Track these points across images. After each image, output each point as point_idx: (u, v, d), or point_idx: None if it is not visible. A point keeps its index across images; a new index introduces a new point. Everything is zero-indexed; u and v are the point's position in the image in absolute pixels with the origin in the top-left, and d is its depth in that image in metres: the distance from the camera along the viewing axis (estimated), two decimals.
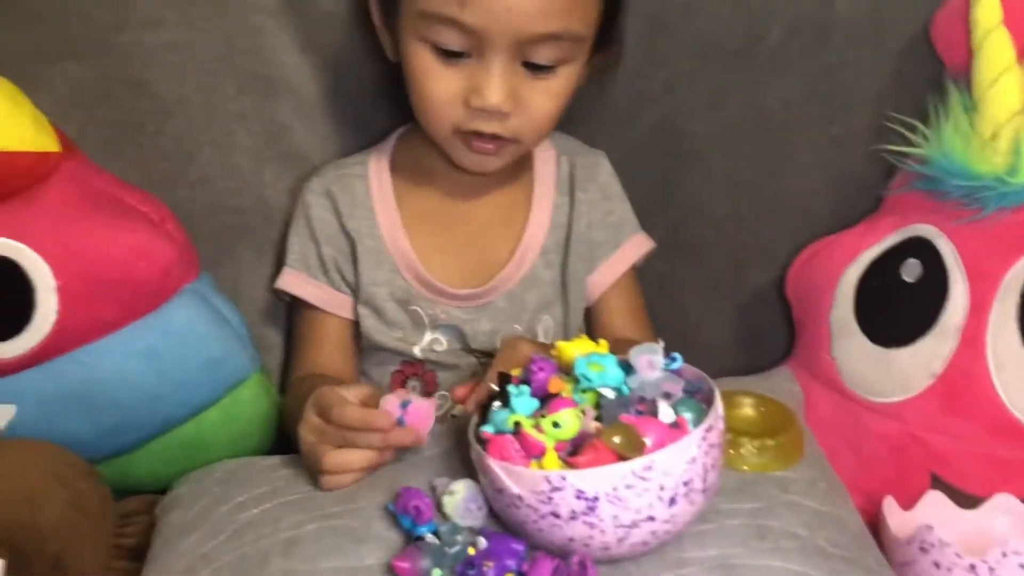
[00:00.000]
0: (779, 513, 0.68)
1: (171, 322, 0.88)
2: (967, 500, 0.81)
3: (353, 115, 1.02)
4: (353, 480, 0.75)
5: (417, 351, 0.95)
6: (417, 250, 0.94)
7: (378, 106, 1.01)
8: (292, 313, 1.00)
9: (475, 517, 0.69)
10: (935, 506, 0.79)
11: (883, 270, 0.90)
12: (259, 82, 0.97)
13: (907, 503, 0.82)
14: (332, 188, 0.95)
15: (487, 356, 0.94)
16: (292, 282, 0.96)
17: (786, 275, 1.00)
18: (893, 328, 0.87)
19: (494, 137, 0.85)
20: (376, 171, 0.96)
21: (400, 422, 0.74)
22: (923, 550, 0.71)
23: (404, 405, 0.74)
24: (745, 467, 0.72)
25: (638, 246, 1.00)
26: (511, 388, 0.66)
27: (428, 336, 0.95)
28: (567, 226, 0.96)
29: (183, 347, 0.88)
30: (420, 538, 0.66)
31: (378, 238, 0.94)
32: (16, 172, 0.81)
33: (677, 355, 0.67)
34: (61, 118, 0.88)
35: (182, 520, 0.79)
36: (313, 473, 0.77)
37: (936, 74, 0.92)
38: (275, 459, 0.85)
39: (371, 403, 0.76)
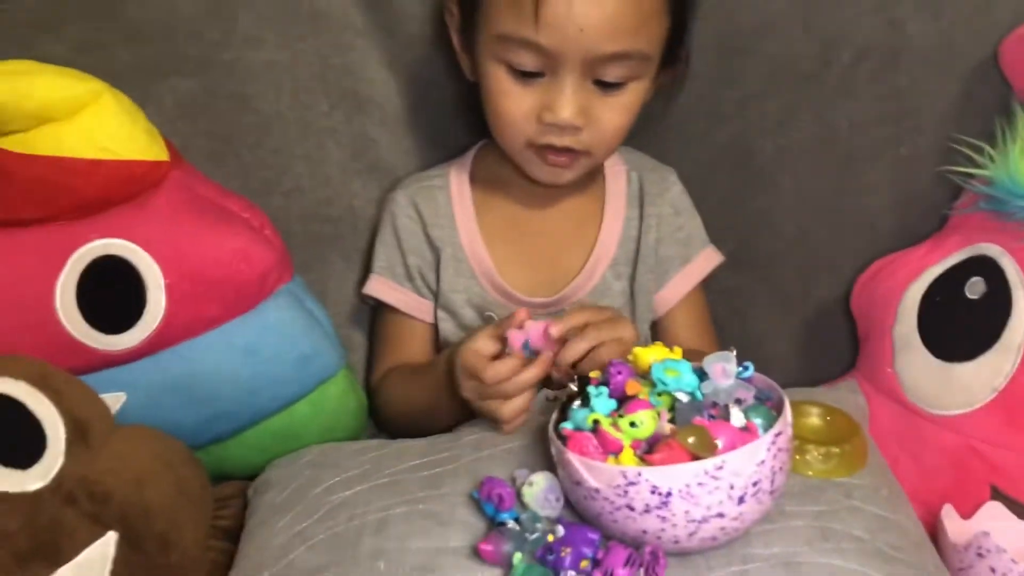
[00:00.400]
0: (842, 517, 0.72)
1: (267, 320, 0.91)
2: None
3: (434, 130, 1.06)
4: (526, 417, 0.83)
5: None
6: (494, 259, 0.98)
7: (458, 122, 1.05)
8: (376, 316, 1.05)
9: (553, 507, 0.74)
10: (993, 516, 0.82)
11: (947, 287, 0.92)
12: (349, 98, 1.02)
13: (966, 513, 0.84)
14: (416, 199, 0.99)
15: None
16: (378, 288, 1.01)
17: (851, 290, 1.02)
18: (956, 343, 0.89)
19: (567, 150, 0.89)
20: (456, 183, 1.00)
21: (526, 346, 0.80)
22: (980, 555, 0.74)
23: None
24: (810, 472, 0.76)
25: (707, 261, 1.03)
26: (591, 389, 0.71)
27: None
28: (637, 239, 0.99)
29: (278, 344, 0.92)
30: (503, 524, 0.71)
31: (458, 247, 0.98)
32: (132, 179, 0.85)
33: (749, 364, 0.71)
34: (169, 130, 0.92)
35: (275, 501, 0.84)
36: (495, 424, 0.83)
37: (1003, 97, 0.94)
38: (361, 443, 0.90)
39: (499, 339, 0.82)
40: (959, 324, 0.90)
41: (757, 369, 0.74)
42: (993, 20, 0.95)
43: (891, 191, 1.02)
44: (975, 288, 0.89)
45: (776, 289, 1.08)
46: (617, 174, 1.01)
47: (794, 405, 0.71)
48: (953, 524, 0.79)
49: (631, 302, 1.00)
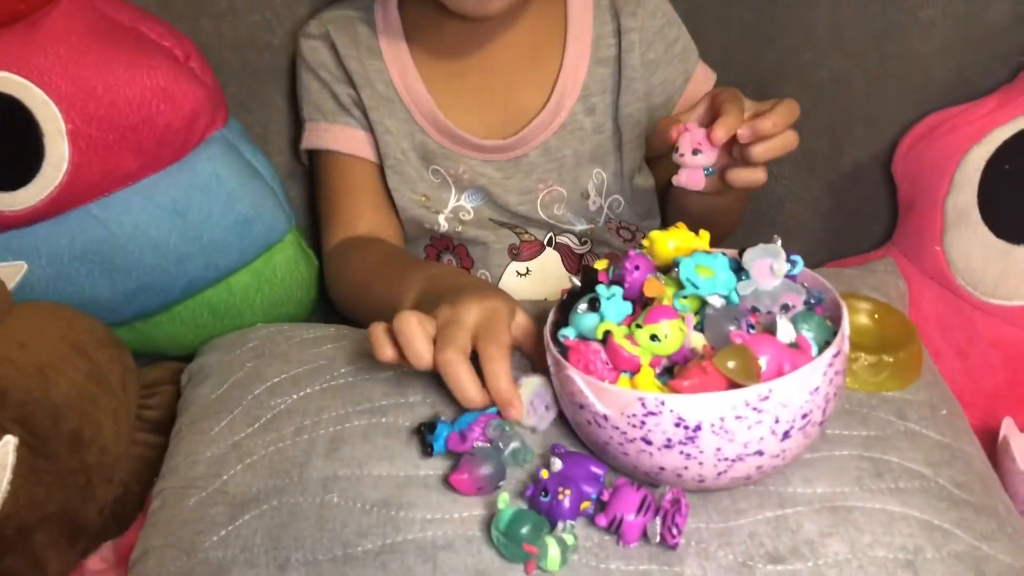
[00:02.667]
0: (897, 444, 0.59)
1: (197, 174, 0.81)
2: None
3: None
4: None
5: (442, 220, 0.87)
6: (434, 96, 0.85)
7: None
8: (316, 174, 0.92)
9: (540, 418, 0.61)
10: None
11: (1018, 153, 0.79)
12: None
13: (1020, 420, 0.74)
14: (329, 28, 0.86)
15: (520, 229, 0.87)
16: (312, 136, 0.88)
17: (895, 150, 0.89)
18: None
19: None
20: (382, 11, 0.87)
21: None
22: None
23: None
24: (856, 386, 0.63)
25: (706, 77, 0.90)
26: (600, 288, 0.56)
27: (452, 201, 0.87)
28: (616, 60, 0.85)
29: (211, 202, 0.82)
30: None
31: (388, 84, 0.85)
32: None
33: (798, 257, 0.57)
34: None
35: (210, 397, 0.73)
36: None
37: None
38: (316, 329, 0.79)
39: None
40: None
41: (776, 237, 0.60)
42: None
43: (952, 32, 0.87)
44: None
45: (801, 146, 0.92)
46: None
47: None
48: (1019, 443, 0.68)
49: (615, 138, 0.86)
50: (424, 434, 0.62)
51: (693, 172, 0.70)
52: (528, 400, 0.61)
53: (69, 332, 0.76)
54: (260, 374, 0.73)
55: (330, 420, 0.66)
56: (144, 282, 0.82)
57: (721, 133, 0.67)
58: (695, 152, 0.68)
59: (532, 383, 0.62)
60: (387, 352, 0.62)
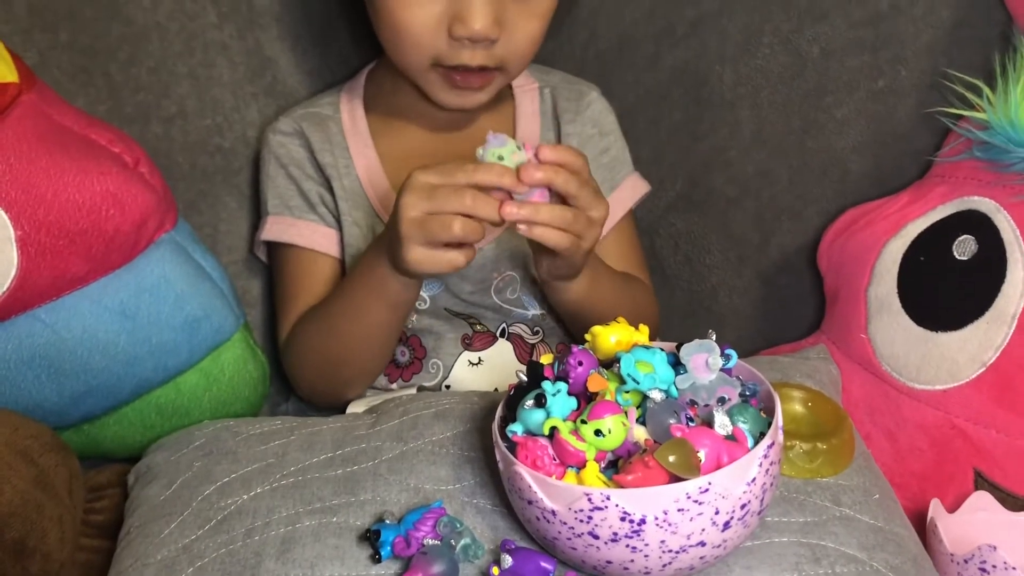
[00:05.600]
0: (833, 529, 0.62)
1: (146, 277, 0.81)
2: (1011, 500, 0.75)
3: (344, 50, 0.96)
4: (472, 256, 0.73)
5: None
6: (398, 191, 0.87)
7: (371, 40, 0.92)
8: (275, 266, 0.93)
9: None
10: (983, 509, 0.73)
11: (932, 245, 0.82)
12: (242, 8, 0.90)
13: (947, 499, 0.76)
14: (302, 125, 0.89)
15: (474, 320, 0.89)
16: (276, 229, 0.89)
17: (819, 242, 0.93)
18: (941, 310, 0.80)
19: (481, 70, 0.80)
20: (348, 111, 0.90)
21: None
22: (983, 571, 0.65)
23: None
24: (792, 473, 0.66)
25: (634, 188, 0.94)
26: (546, 384, 0.58)
27: None
28: None
29: (159, 305, 0.81)
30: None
31: (354, 179, 0.88)
32: None
33: (732, 352, 0.60)
34: (20, 43, 0.82)
35: (159, 499, 0.72)
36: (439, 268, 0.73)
37: (1002, 27, 0.84)
38: (263, 424, 0.79)
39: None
40: (945, 288, 0.81)
41: (709, 327, 0.64)
42: None
43: (865, 130, 0.92)
44: (964, 248, 0.80)
45: (732, 236, 0.99)
46: (527, 92, 0.93)
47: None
48: (946, 524, 0.71)
49: None
50: (371, 541, 0.62)
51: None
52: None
53: (14, 438, 0.74)
54: (209, 474, 0.72)
55: (281, 521, 0.65)
56: (92, 385, 0.80)
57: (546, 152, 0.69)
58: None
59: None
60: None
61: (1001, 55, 0.81)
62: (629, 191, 0.93)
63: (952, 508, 0.75)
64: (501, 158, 0.69)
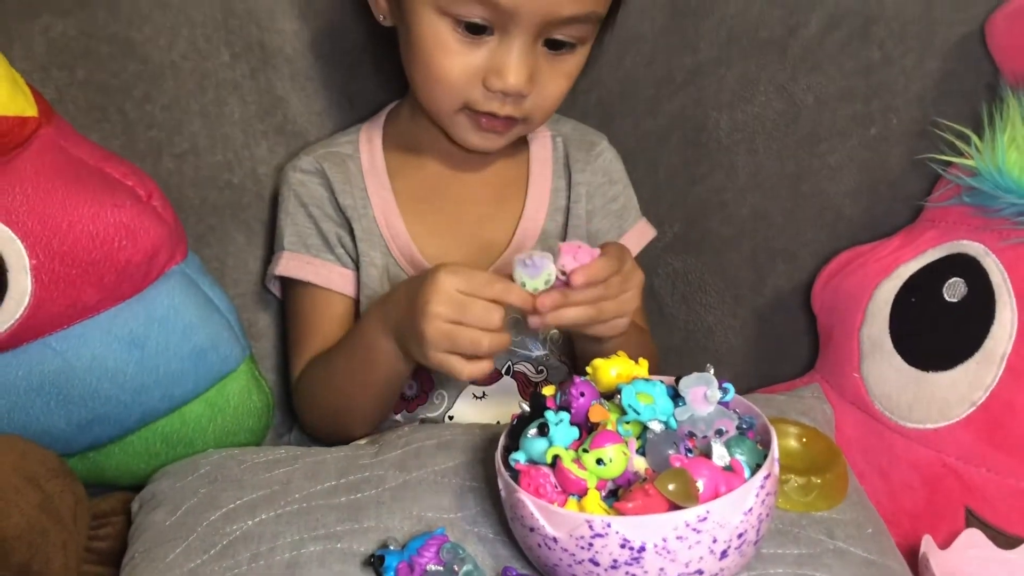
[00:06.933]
0: (826, 562, 0.63)
1: (156, 307, 0.82)
2: (1002, 538, 0.77)
3: (353, 91, 0.97)
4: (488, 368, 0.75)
5: None
6: (412, 233, 0.89)
7: (377, 80, 0.96)
8: (288, 302, 0.94)
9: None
10: (974, 547, 0.75)
11: (922, 287, 0.84)
12: (254, 49, 0.92)
13: (939, 536, 0.78)
14: (324, 165, 0.90)
15: None
16: (291, 266, 0.90)
17: (813, 284, 0.95)
18: (932, 350, 0.82)
19: (507, 118, 0.82)
20: (367, 151, 0.92)
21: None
22: None
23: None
24: (788, 506, 0.67)
25: (642, 234, 0.97)
26: (549, 414, 0.60)
27: None
28: (566, 211, 0.92)
29: (168, 335, 0.82)
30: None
31: (371, 219, 0.89)
32: None
33: (729, 385, 0.61)
34: (40, 79, 0.83)
35: (164, 525, 0.73)
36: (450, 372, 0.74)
37: (989, 79, 0.87)
38: (267, 453, 0.80)
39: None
40: (936, 329, 0.83)
41: (705, 365, 0.64)
42: None
43: (858, 176, 0.94)
44: (954, 290, 0.82)
45: (727, 277, 1.01)
46: (541, 139, 0.95)
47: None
48: (938, 560, 0.72)
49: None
50: (376, 566, 0.63)
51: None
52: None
53: (22, 463, 0.75)
54: (214, 500, 0.73)
55: (286, 546, 0.66)
56: (100, 413, 0.81)
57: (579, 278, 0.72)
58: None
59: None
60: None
61: (988, 104, 0.84)
62: (636, 237, 0.95)
63: (944, 545, 0.76)
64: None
